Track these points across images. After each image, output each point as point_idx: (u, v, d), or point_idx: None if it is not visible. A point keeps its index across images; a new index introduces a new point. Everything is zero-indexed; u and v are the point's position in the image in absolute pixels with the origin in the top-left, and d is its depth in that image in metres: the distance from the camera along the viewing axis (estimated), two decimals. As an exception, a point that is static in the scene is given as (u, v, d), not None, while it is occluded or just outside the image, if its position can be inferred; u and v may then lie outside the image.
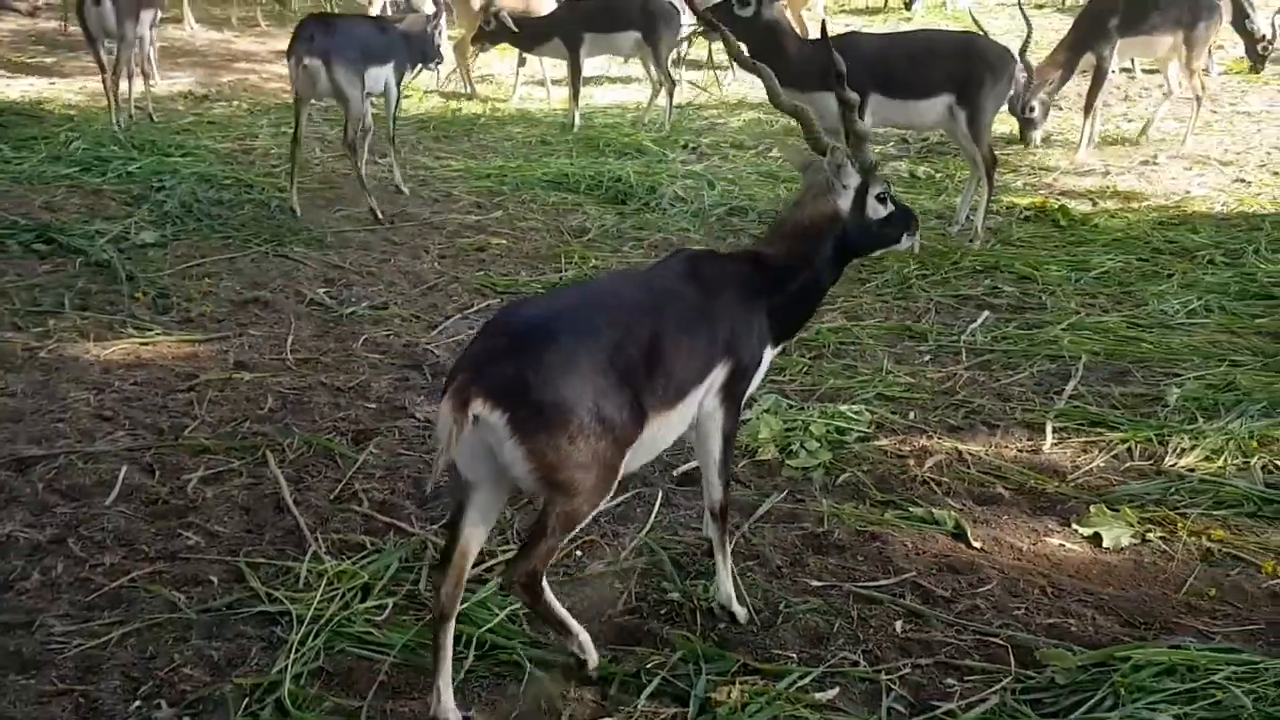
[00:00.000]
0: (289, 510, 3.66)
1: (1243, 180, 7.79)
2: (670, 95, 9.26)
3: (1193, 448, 4.15)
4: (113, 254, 5.91)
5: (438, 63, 7.89)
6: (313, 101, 7.04)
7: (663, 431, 2.89)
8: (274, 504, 3.73)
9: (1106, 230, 6.84)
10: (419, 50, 7.54)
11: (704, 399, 3.02)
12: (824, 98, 6.27)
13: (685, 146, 8.62)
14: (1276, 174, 7.68)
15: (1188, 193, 7.60)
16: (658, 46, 9.13)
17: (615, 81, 10.96)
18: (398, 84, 7.33)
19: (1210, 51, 10.74)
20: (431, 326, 5.41)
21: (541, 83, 9.83)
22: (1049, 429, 4.37)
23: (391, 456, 4.08)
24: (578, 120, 9.12)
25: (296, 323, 5.34)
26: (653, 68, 9.33)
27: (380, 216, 6.86)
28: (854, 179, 3.25)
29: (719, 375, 3.04)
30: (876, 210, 3.32)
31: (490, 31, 9.05)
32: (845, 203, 3.27)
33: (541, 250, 6.52)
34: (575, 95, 9.16)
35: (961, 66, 6.40)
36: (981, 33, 7.10)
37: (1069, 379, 4.84)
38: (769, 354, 3.27)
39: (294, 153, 6.88)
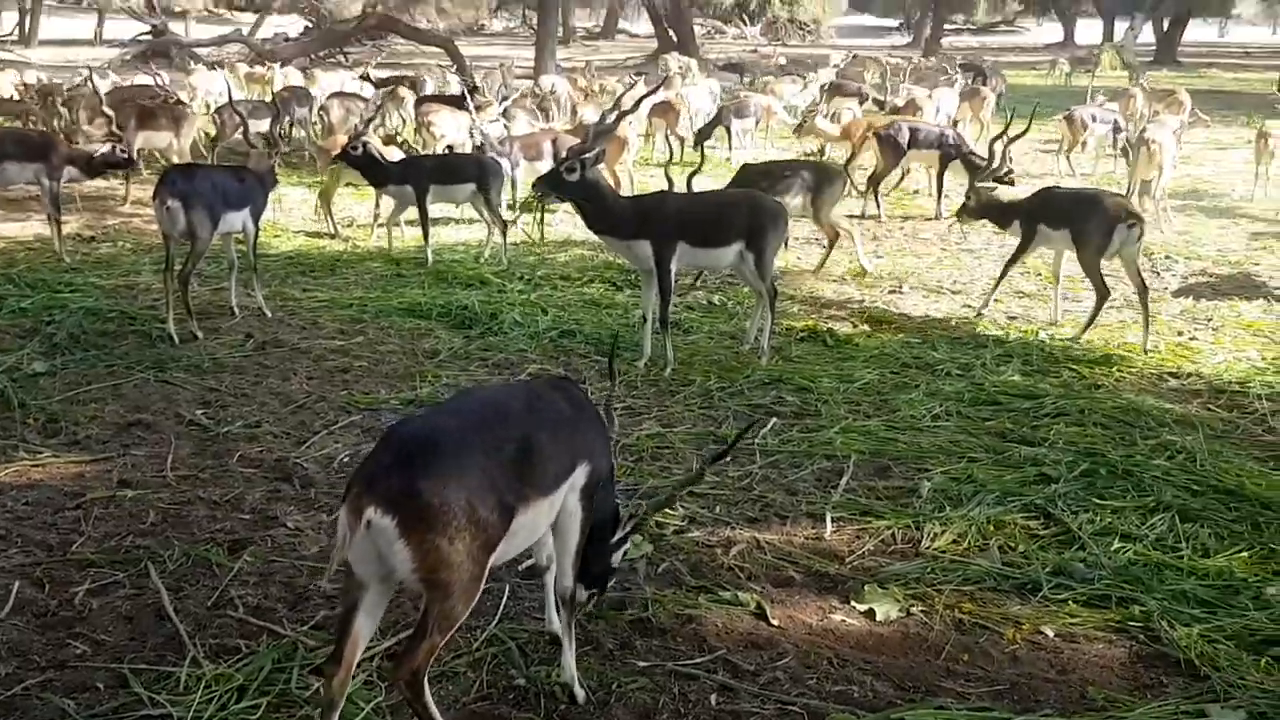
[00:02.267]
0: (169, 618, 3.46)
1: (969, 306, 8.18)
2: (504, 235, 9.30)
3: (943, 532, 4.30)
4: (6, 383, 5.57)
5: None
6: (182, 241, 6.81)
7: (526, 530, 2.87)
8: (155, 612, 3.51)
9: (865, 348, 7.06)
10: (270, 187, 7.54)
11: (565, 498, 3.00)
12: (639, 244, 6.44)
13: (521, 278, 8.62)
14: (996, 301, 8.07)
15: (927, 316, 7.93)
16: (489, 195, 9.20)
17: (459, 223, 10.93)
18: (255, 222, 7.25)
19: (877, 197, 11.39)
20: (301, 442, 5.21)
21: (397, 223, 9.73)
22: (829, 518, 4.46)
23: (265, 563, 3.90)
24: (429, 256, 9.05)
25: (176, 442, 5.09)
26: (487, 213, 9.36)
27: (199, 335, 6.74)
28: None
29: (579, 477, 3.02)
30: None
31: (355, 156, 8.91)
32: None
33: (399, 370, 6.39)
34: (425, 235, 9.11)
35: (749, 219, 6.64)
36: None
37: (842, 475, 4.96)
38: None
39: (167, 284, 6.68)
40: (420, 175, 9.07)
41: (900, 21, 61.56)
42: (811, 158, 14.23)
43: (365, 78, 19.99)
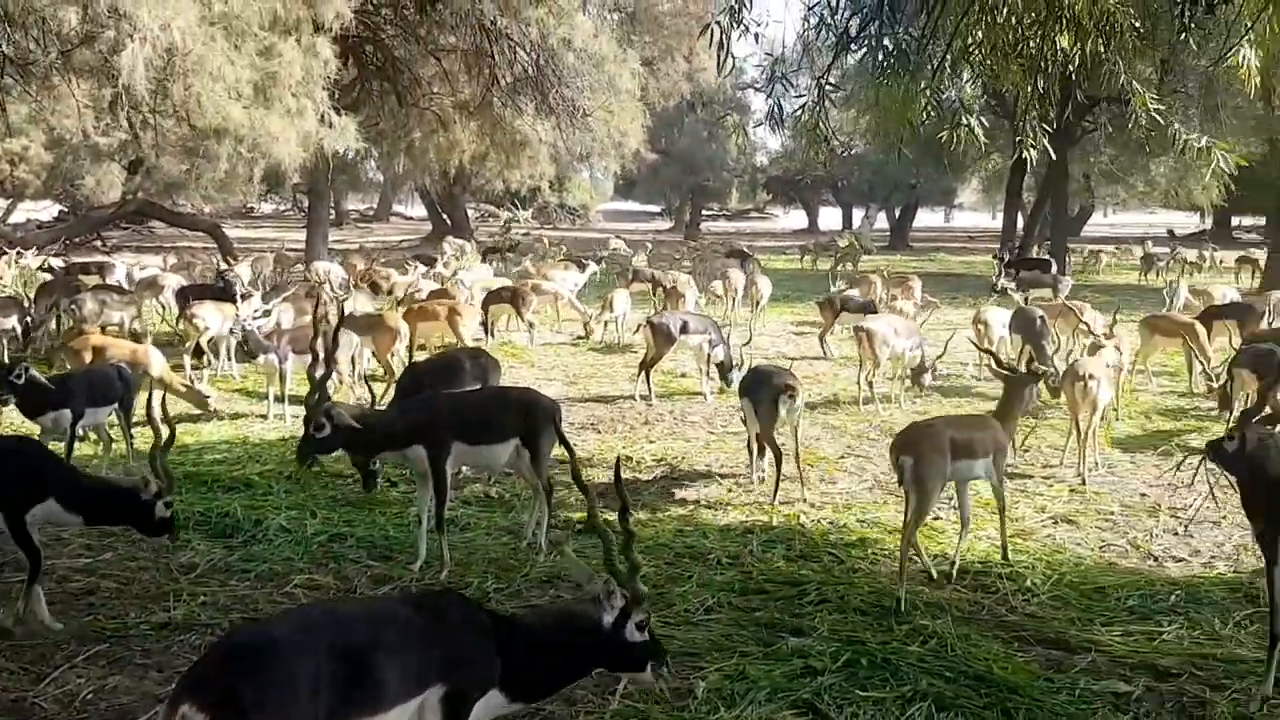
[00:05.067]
0: None
1: (735, 489, 8.45)
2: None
3: (718, 737, 4.30)
4: None
5: None
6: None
7: None
8: None
9: (641, 538, 7.10)
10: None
11: (422, 716, 3.00)
12: (413, 450, 6.39)
13: (288, 478, 8.31)
14: (761, 481, 8.39)
15: (699, 501, 8.13)
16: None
17: (220, 420, 10.49)
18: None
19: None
20: (40, 678, 4.74)
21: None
22: (608, 729, 4.40)
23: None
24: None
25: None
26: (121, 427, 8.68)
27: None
28: (619, 603, 3.37)
29: (431, 697, 2.99)
30: (634, 635, 3.42)
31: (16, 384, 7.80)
32: (608, 619, 3.36)
33: (151, 590, 5.96)
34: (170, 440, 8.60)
35: (523, 415, 6.71)
36: None
37: (620, 680, 4.92)
38: (497, 699, 3.22)
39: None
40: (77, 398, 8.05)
41: (662, 207, 64.88)
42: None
43: (45, 267, 19.15)
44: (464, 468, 7.99)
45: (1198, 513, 7.38)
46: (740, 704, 4.61)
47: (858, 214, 56.17)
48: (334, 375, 7.04)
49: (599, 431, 10.56)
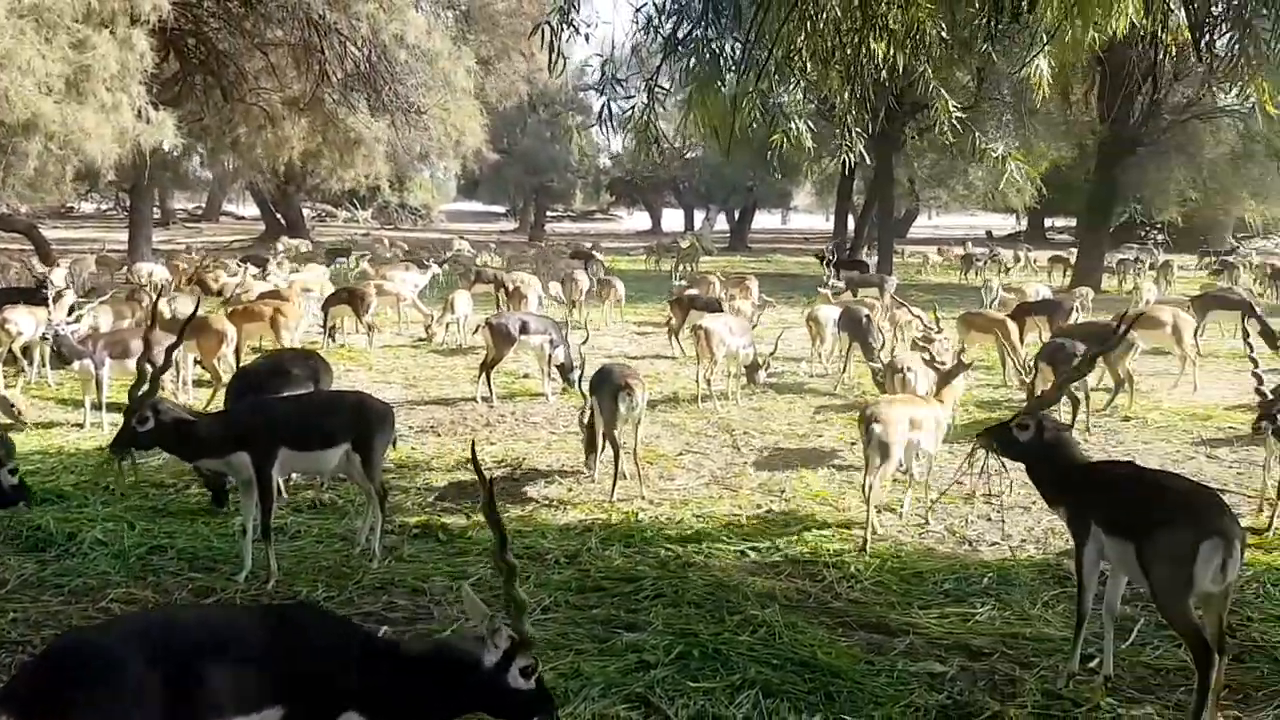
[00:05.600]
0: None
1: (576, 488, 8.49)
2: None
3: (553, 735, 4.30)
4: None
5: None
6: None
7: None
8: None
9: (479, 541, 7.07)
10: None
11: None
12: (237, 457, 6.17)
13: (106, 488, 7.91)
14: (598, 481, 8.46)
15: (540, 500, 8.13)
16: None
17: (31, 431, 9.91)
18: None
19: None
20: None
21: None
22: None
23: None
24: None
25: None
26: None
27: None
28: (505, 644, 3.18)
29: (271, 715, 2.88)
30: (517, 681, 3.21)
31: None
32: (490, 659, 3.19)
33: (-48, 609, 5.60)
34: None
35: (355, 419, 6.57)
36: None
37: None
38: None
39: None
40: None
41: (507, 208, 64.50)
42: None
43: None
44: (294, 474, 7.80)
45: (1009, 499, 7.76)
46: (574, 701, 4.63)
47: (699, 216, 57.15)
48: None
49: (439, 434, 10.43)
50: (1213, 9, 6.20)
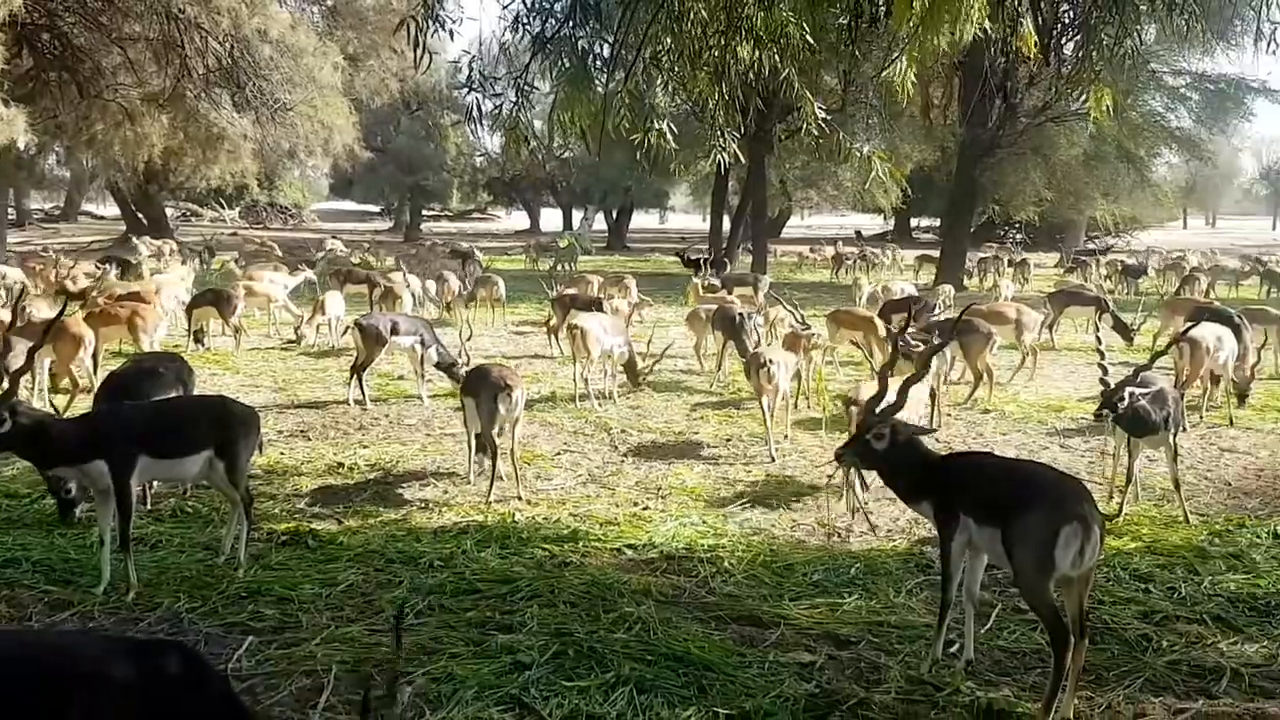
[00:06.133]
0: None
1: (451, 489, 8.38)
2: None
3: (424, 740, 4.24)
4: None
5: None
6: None
7: None
8: None
9: (350, 546, 6.93)
10: None
11: None
12: (94, 465, 5.91)
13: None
14: (474, 483, 8.37)
15: (413, 506, 7.99)
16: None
17: None
18: None
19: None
20: None
21: None
22: (306, 746, 4.23)
23: None
24: None
25: None
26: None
27: None
28: None
29: None
30: None
31: None
32: None
33: None
34: None
35: (217, 425, 6.36)
36: None
37: (323, 691, 4.76)
38: None
39: None
40: None
41: (381, 207, 63.40)
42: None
43: None
44: (155, 482, 7.52)
45: (870, 493, 7.95)
46: (446, 705, 4.57)
47: (577, 215, 57.12)
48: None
49: (309, 439, 10.18)
50: (1060, 17, 6.46)
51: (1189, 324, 10.98)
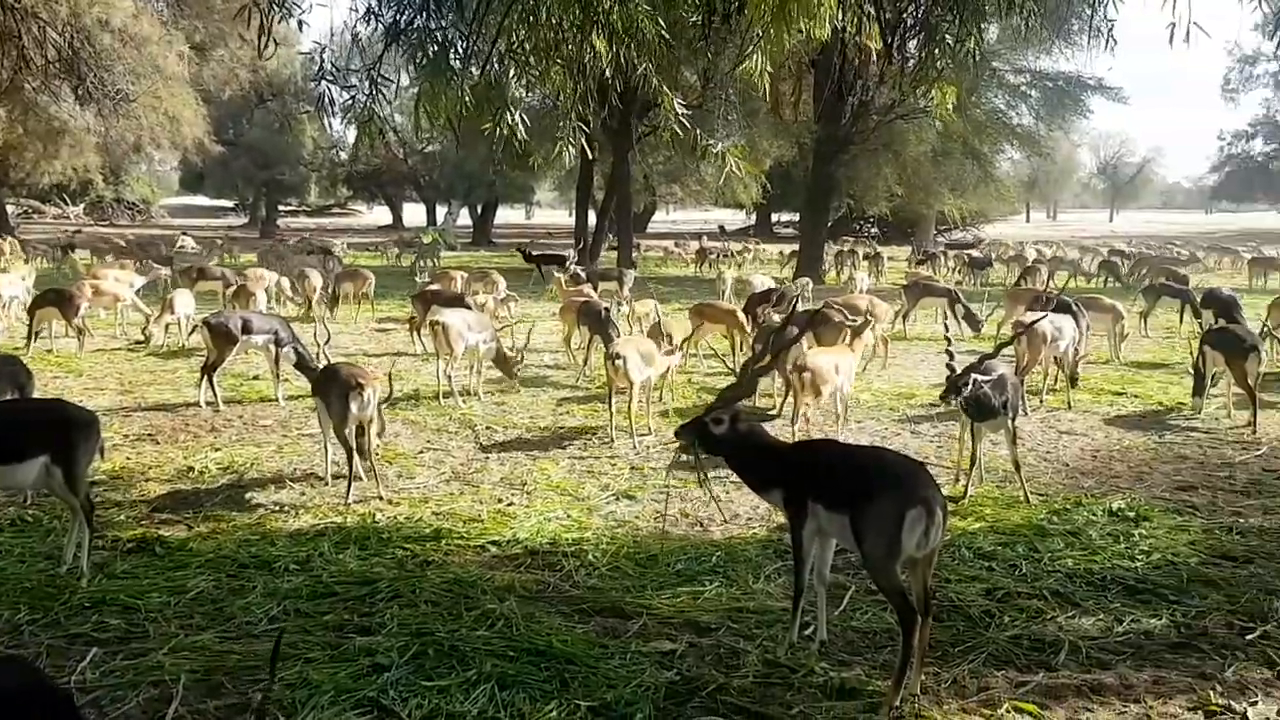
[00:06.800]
0: None
1: (309, 491, 8.15)
2: None
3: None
4: None
5: None
6: None
7: None
8: None
9: (201, 553, 6.67)
10: None
11: None
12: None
13: None
14: (332, 485, 8.17)
15: (268, 509, 7.74)
16: None
17: None
18: None
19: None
20: None
21: None
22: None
23: None
24: None
25: None
26: None
27: None
28: None
29: None
30: None
31: None
32: None
33: None
34: None
35: (53, 430, 6.04)
36: None
37: (172, 701, 4.58)
38: None
39: None
40: None
41: (236, 202, 61.33)
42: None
43: None
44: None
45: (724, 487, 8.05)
46: (301, 711, 4.45)
47: (441, 210, 56.35)
48: None
49: (158, 442, 9.77)
50: (903, 16, 6.66)
51: (1031, 313, 11.51)
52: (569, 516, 7.57)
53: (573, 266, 21.55)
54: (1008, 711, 4.62)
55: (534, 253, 29.00)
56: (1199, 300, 16.22)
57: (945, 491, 7.98)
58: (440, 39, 6.28)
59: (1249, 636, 5.45)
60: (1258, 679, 4.99)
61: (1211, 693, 4.82)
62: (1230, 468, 9.10)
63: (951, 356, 7.65)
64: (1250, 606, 5.86)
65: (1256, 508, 7.87)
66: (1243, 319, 13.80)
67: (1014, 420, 7.94)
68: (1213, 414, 11.25)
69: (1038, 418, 10.98)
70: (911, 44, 6.96)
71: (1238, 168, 43.00)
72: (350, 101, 6.43)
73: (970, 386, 7.47)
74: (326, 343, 11.14)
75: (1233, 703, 4.73)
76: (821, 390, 9.34)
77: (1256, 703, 4.73)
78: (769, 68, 6.65)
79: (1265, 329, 12.16)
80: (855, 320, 11.59)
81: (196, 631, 5.42)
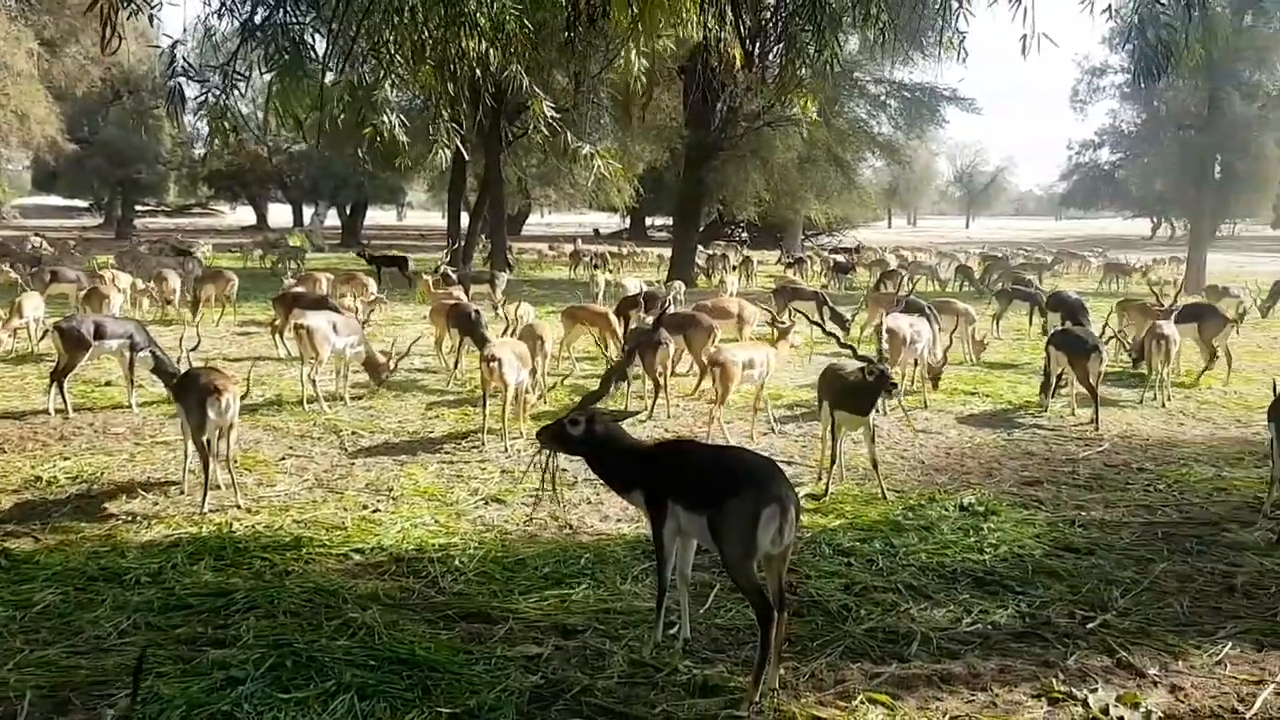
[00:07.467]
0: None
1: (163, 500, 7.85)
2: None
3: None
4: None
5: None
6: None
7: None
8: None
9: (48, 565, 6.35)
10: None
11: None
12: None
13: None
14: (188, 493, 7.88)
15: (118, 520, 7.42)
16: None
17: None
18: None
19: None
20: None
21: None
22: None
23: None
24: None
25: None
26: None
27: None
28: None
29: None
30: None
31: None
32: None
33: None
34: None
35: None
36: None
37: (15, 718, 4.35)
38: None
39: None
40: None
41: (91, 202, 58.61)
42: None
43: None
44: None
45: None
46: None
47: (308, 211, 54.94)
48: None
49: (4, 451, 9.27)
50: (764, 26, 6.78)
51: (887, 314, 11.87)
52: (436, 522, 7.46)
53: (444, 268, 21.26)
54: (862, 703, 4.74)
55: (372, 254, 28.59)
56: (1045, 302, 16.98)
57: (808, 489, 8.21)
58: (295, 36, 6.10)
59: (1090, 625, 5.71)
60: (1098, 666, 5.23)
61: (1054, 680, 5.03)
62: (1074, 463, 9.55)
63: (854, 351, 7.86)
64: (1091, 596, 6.15)
65: (1098, 501, 8.28)
66: (1088, 321, 14.47)
67: (872, 419, 8.16)
68: (1058, 412, 11.79)
69: (895, 416, 11.31)
70: (772, 53, 7.09)
71: (1085, 176, 45.19)
72: (203, 97, 6.22)
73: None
74: (194, 348, 10.74)
75: (1074, 690, 4.95)
76: (729, 385, 9.81)
77: (1096, 689, 4.96)
78: (642, 73, 6.68)
79: (1109, 331, 12.77)
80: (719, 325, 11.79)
81: (43, 646, 5.16)
